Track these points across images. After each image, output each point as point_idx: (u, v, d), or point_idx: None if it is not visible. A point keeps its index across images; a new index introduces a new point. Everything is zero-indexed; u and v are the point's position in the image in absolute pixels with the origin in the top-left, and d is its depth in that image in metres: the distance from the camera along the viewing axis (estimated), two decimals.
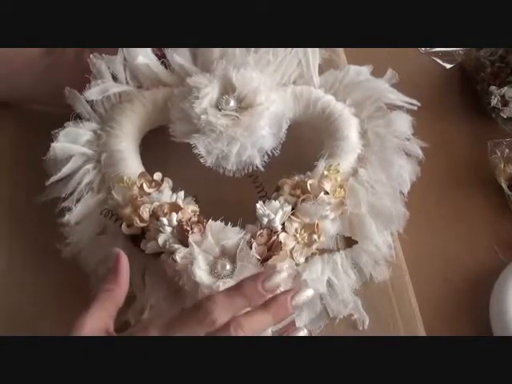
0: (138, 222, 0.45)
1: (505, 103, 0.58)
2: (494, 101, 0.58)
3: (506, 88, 0.58)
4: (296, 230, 0.46)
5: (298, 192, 0.47)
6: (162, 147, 0.51)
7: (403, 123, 0.51)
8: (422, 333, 0.49)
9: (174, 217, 0.45)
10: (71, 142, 0.49)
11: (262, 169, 0.48)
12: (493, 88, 0.58)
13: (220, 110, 0.48)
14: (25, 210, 0.53)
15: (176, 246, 0.44)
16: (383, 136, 0.51)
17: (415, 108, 0.52)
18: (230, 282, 0.43)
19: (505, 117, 0.59)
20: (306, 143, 0.54)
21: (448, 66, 0.65)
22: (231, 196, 0.51)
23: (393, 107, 0.52)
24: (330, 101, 0.52)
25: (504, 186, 0.56)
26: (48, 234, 0.49)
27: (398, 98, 0.52)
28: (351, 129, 0.51)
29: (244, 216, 0.46)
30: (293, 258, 0.45)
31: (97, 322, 0.39)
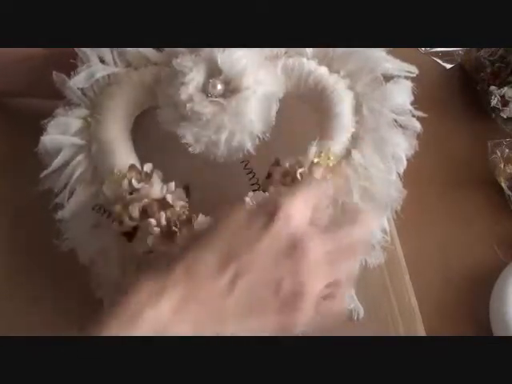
0: (128, 221, 0.45)
1: (505, 103, 0.58)
2: (494, 101, 0.58)
3: (506, 88, 0.58)
4: None
5: (289, 180, 0.46)
6: (153, 134, 0.50)
7: (401, 94, 0.49)
8: (421, 332, 0.49)
9: (163, 216, 0.44)
10: (61, 133, 0.49)
11: (254, 153, 0.47)
12: (493, 88, 0.59)
13: (207, 95, 0.46)
14: (24, 206, 0.53)
15: (164, 248, 0.44)
16: (378, 111, 0.48)
17: (414, 75, 0.50)
18: None
19: (505, 117, 0.59)
20: (298, 123, 0.52)
21: (448, 66, 0.65)
22: (224, 185, 0.51)
23: (390, 77, 0.49)
24: (323, 74, 0.49)
25: (504, 186, 0.56)
26: (47, 229, 0.49)
27: (394, 66, 0.49)
28: (345, 105, 0.48)
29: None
30: None
31: None
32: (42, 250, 0.50)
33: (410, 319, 0.49)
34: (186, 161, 0.49)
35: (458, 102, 0.62)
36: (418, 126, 0.49)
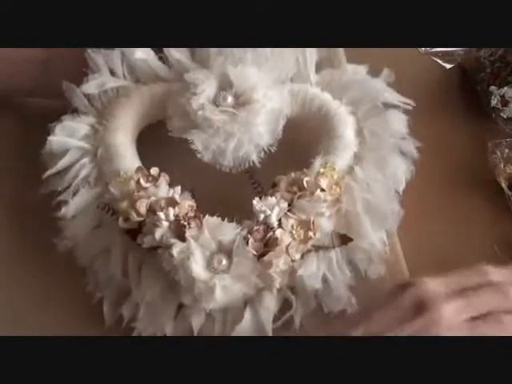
0: (135, 216, 0.45)
1: (505, 103, 0.58)
2: (494, 101, 0.58)
3: (505, 88, 0.58)
4: (292, 226, 0.46)
5: (295, 189, 0.47)
6: (160, 144, 0.51)
7: (399, 122, 0.51)
8: None
9: (171, 211, 0.45)
10: (68, 136, 0.50)
11: (259, 165, 0.48)
12: (493, 88, 0.58)
13: (217, 106, 0.47)
14: (25, 205, 0.53)
15: (173, 240, 0.44)
16: (379, 135, 0.51)
17: (411, 108, 0.52)
18: (227, 278, 0.44)
19: (505, 117, 0.59)
20: (302, 142, 0.54)
21: (448, 66, 0.65)
22: (228, 194, 0.51)
23: (389, 106, 0.52)
24: (327, 99, 0.52)
25: (504, 186, 0.56)
26: (47, 229, 0.49)
27: (394, 97, 0.52)
28: (347, 127, 0.51)
29: (241, 213, 0.47)
30: (288, 254, 0.45)
31: None
32: (44, 250, 0.50)
33: None
34: (189, 173, 0.50)
35: (458, 102, 0.62)
36: (415, 152, 0.51)
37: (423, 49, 0.65)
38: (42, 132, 0.49)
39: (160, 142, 0.50)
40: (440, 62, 0.65)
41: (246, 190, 0.48)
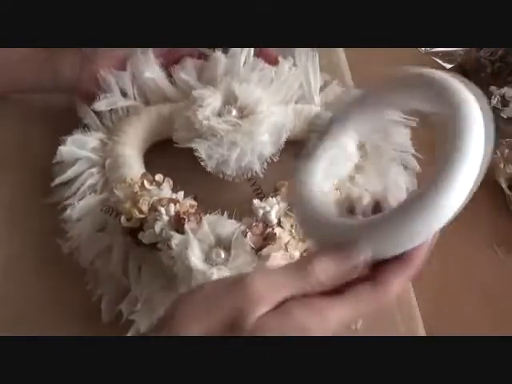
0: (137, 213, 0.46)
1: (505, 103, 0.58)
2: (494, 101, 0.58)
3: (506, 88, 0.58)
4: (291, 225, 0.46)
5: None
6: (166, 160, 0.53)
7: (401, 135, 0.53)
8: (421, 333, 0.49)
9: (172, 207, 0.46)
10: (78, 148, 0.52)
11: (261, 175, 0.50)
12: (493, 88, 0.58)
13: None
14: (27, 207, 0.53)
15: (172, 233, 0.45)
16: (381, 147, 0.52)
17: (414, 125, 0.53)
18: (225, 270, 0.44)
19: (505, 117, 0.59)
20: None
21: (448, 66, 0.65)
22: (232, 207, 0.51)
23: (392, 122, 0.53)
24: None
25: (504, 186, 0.56)
26: (49, 231, 0.50)
27: (396, 114, 0.53)
28: (349, 139, 0.51)
29: (242, 215, 0.47)
30: (287, 251, 0.45)
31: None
32: (45, 251, 0.51)
33: (410, 320, 0.49)
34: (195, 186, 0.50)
35: None
36: (416, 166, 0.52)
37: (423, 49, 0.65)
38: (42, 129, 0.50)
39: (167, 159, 0.53)
40: (440, 61, 0.65)
41: (248, 199, 0.48)
